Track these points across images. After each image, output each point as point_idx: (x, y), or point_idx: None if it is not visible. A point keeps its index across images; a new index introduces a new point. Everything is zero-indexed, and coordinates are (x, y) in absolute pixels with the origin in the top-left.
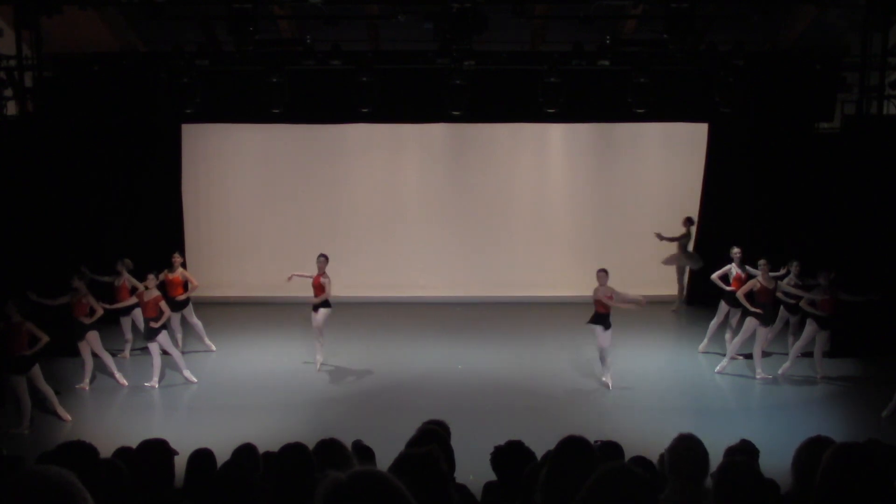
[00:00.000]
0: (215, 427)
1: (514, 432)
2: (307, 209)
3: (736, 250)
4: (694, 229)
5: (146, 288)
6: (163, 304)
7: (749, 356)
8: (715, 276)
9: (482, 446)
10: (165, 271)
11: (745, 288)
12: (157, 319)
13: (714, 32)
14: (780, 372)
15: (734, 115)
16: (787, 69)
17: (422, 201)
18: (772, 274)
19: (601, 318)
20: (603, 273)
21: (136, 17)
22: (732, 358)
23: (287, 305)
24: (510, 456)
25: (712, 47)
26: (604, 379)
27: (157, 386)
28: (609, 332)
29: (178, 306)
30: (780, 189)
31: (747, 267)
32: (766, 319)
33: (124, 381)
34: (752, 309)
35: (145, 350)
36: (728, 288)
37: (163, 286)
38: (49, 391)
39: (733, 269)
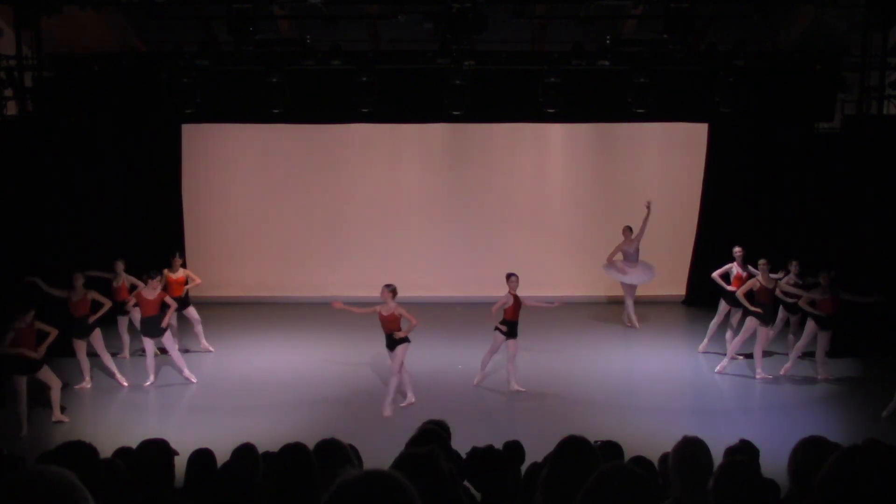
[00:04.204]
0: (215, 427)
1: (514, 432)
2: (307, 209)
3: (737, 249)
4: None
5: (145, 285)
6: (168, 299)
7: (749, 356)
8: (715, 274)
9: (482, 447)
10: (166, 271)
11: (745, 287)
12: (159, 318)
13: (714, 32)
14: (781, 372)
15: (734, 115)
16: (787, 69)
17: (422, 201)
18: (772, 276)
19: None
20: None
21: (136, 17)
22: (732, 358)
23: (287, 305)
24: (479, 464)
25: (712, 47)
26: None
27: (152, 379)
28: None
29: (179, 306)
30: (781, 189)
31: (749, 267)
32: (766, 319)
33: (125, 382)
34: (752, 308)
35: (144, 351)
36: (729, 287)
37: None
38: (55, 385)
39: (734, 268)
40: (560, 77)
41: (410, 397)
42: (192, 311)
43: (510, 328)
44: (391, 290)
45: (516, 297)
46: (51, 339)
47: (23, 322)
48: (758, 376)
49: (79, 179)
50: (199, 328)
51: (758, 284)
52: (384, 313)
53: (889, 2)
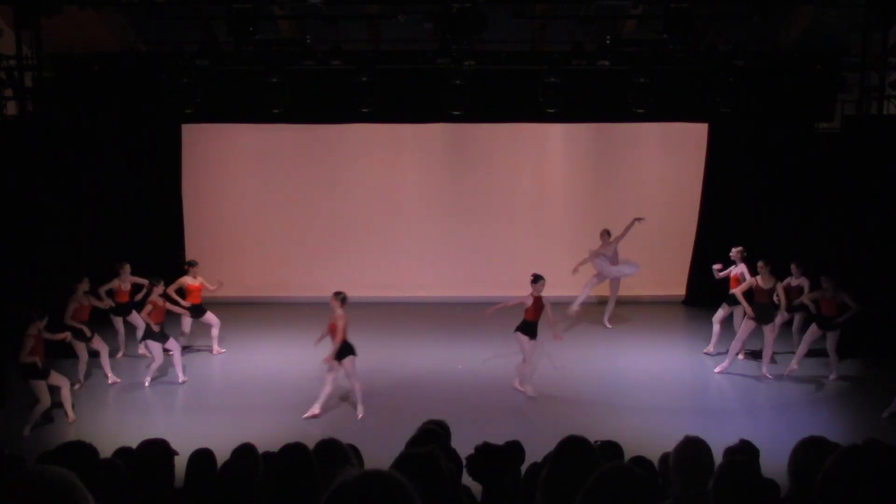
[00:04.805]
0: (215, 427)
1: (514, 432)
2: (307, 209)
3: (734, 252)
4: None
5: (150, 290)
6: (176, 309)
7: (750, 355)
8: (721, 275)
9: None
10: (186, 279)
11: (744, 287)
12: (162, 325)
13: (714, 32)
14: (785, 372)
15: (734, 115)
16: (787, 69)
17: (421, 201)
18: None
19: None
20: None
21: (136, 17)
22: (733, 358)
23: (287, 305)
24: (485, 462)
25: (712, 47)
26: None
27: (148, 381)
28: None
29: (197, 313)
30: (781, 189)
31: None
32: (763, 319)
33: (117, 379)
34: (748, 308)
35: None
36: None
37: (180, 292)
38: (65, 384)
39: (733, 269)
40: (560, 77)
41: (315, 408)
42: (210, 317)
43: (531, 329)
44: (338, 298)
45: (538, 299)
46: (61, 336)
47: (36, 328)
48: (763, 371)
49: (79, 180)
50: (215, 331)
51: (755, 284)
52: (329, 321)
53: (889, 2)
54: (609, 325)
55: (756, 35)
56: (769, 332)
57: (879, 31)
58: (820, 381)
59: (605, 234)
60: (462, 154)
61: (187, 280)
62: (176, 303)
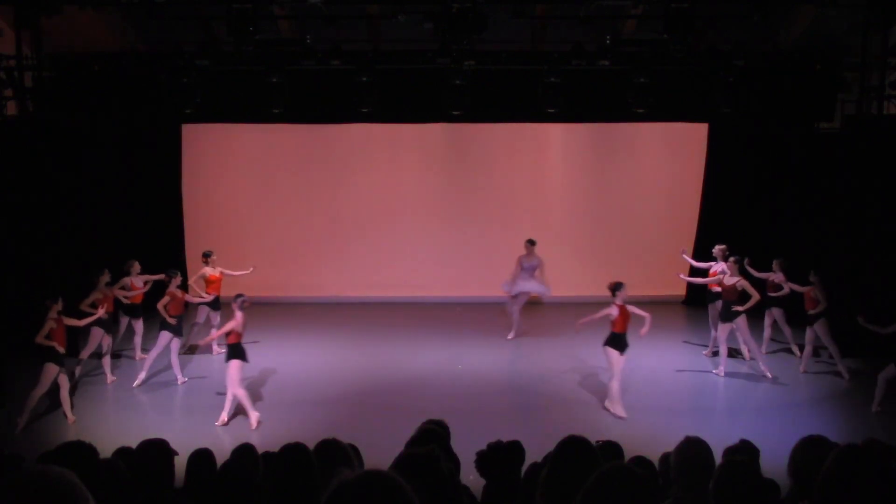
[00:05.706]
0: (215, 427)
1: (514, 432)
2: (307, 209)
3: (715, 249)
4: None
5: (169, 282)
6: (191, 299)
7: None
8: (697, 264)
9: (482, 447)
10: (207, 269)
11: (711, 281)
12: (180, 317)
13: (714, 32)
14: (801, 369)
15: (734, 115)
16: (787, 69)
17: (421, 201)
18: (760, 274)
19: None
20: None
21: (136, 17)
22: (726, 357)
23: (287, 305)
24: (495, 458)
25: (712, 47)
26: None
27: (182, 378)
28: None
29: (215, 304)
30: (781, 189)
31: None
32: (730, 317)
33: (112, 378)
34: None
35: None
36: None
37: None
38: (66, 385)
39: (714, 265)
40: (560, 77)
41: (251, 417)
42: (215, 318)
43: (620, 342)
44: (237, 300)
45: (623, 308)
46: (94, 317)
47: (55, 311)
48: (762, 369)
49: (79, 180)
50: (215, 332)
51: (721, 281)
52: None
53: (889, 2)
54: (509, 337)
55: (756, 35)
56: (741, 329)
57: (879, 31)
58: (820, 381)
59: (529, 243)
60: (462, 154)
61: (208, 270)
62: (195, 293)
